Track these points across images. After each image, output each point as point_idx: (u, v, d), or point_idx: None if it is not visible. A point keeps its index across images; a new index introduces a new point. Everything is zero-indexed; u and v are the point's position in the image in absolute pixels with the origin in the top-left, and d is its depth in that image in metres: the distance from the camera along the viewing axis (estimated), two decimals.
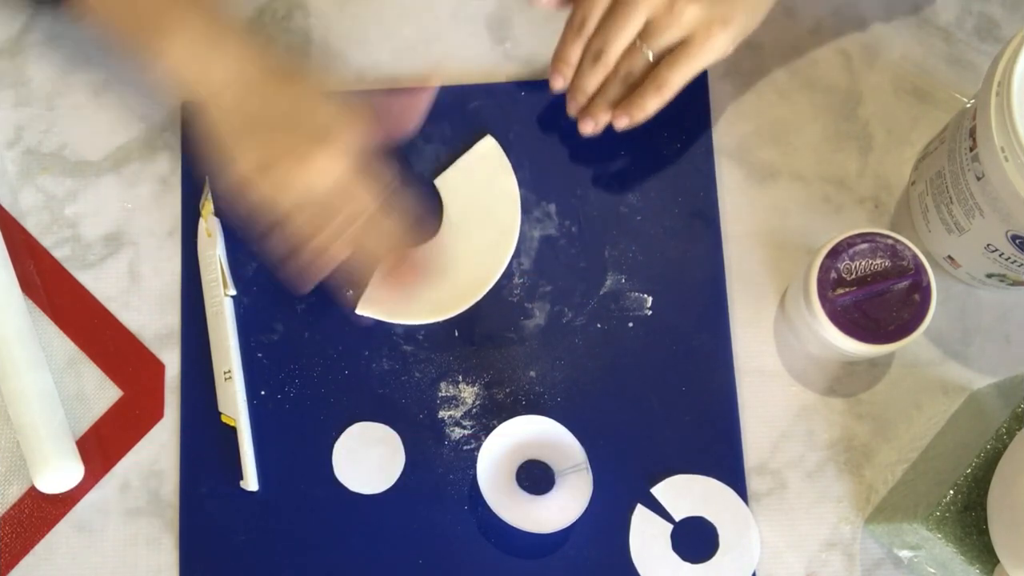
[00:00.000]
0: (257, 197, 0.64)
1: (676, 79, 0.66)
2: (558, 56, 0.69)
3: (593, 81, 0.68)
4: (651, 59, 0.66)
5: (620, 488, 0.69)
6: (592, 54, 0.67)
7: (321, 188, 0.62)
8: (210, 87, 0.63)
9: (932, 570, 0.65)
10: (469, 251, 0.72)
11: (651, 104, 0.67)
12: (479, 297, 0.72)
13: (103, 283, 0.74)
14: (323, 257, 0.65)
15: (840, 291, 0.65)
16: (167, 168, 0.76)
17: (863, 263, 0.66)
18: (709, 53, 0.66)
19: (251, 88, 0.63)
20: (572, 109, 0.70)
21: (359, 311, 0.72)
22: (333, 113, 0.64)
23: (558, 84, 0.70)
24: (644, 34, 0.66)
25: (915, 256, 0.66)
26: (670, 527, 0.69)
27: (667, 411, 0.71)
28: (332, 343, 0.72)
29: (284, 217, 0.64)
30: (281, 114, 0.63)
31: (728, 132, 0.75)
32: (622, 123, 0.68)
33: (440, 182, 0.74)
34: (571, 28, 0.67)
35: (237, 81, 0.63)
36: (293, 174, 0.62)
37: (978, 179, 0.62)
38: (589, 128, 0.69)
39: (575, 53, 0.68)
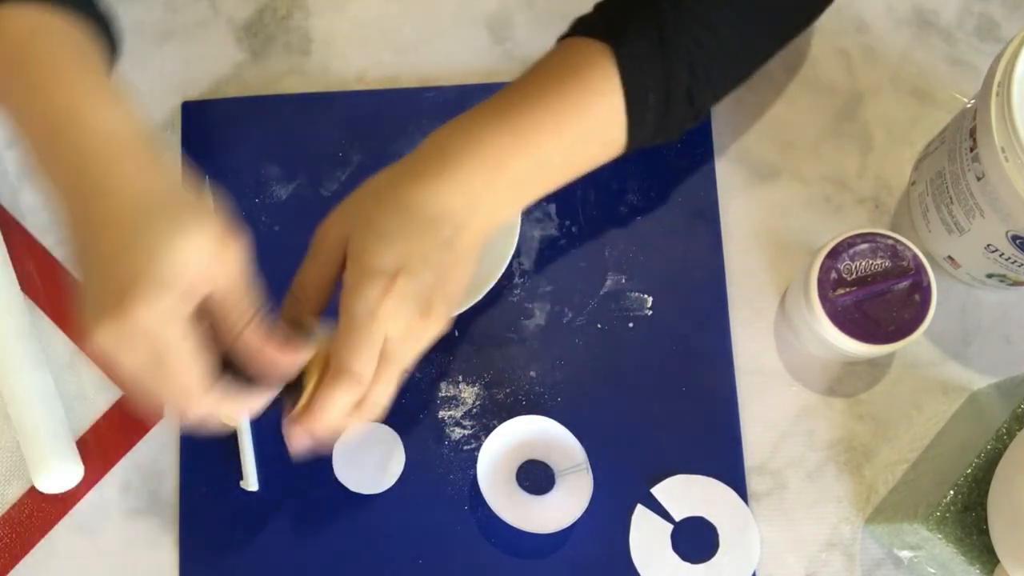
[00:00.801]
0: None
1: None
2: (326, 408, 0.57)
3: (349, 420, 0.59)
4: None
5: (620, 488, 0.69)
6: (370, 407, 0.58)
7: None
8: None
9: (932, 570, 0.65)
10: None
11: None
12: (479, 297, 0.72)
13: None
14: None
15: (840, 291, 0.65)
16: None
17: (863, 263, 0.66)
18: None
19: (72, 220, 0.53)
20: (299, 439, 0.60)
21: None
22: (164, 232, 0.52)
23: (303, 441, 0.59)
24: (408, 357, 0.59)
25: (915, 256, 0.66)
26: (670, 527, 0.69)
27: (667, 411, 0.71)
28: None
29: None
30: (96, 242, 0.52)
31: (728, 132, 0.75)
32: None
33: None
34: (347, 383, 0.57)
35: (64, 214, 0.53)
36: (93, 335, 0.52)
37: (978, 179, 0.62)
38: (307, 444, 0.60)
39: (345, 404, 0.57)
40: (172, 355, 0.52)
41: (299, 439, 0.59)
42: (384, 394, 0.58)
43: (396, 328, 0.56)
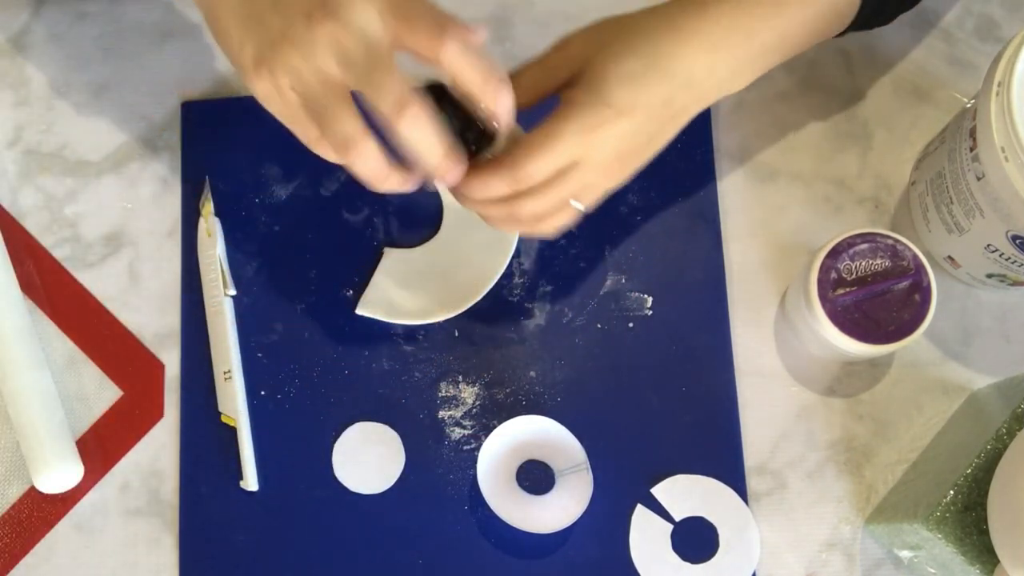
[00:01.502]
0: (263, 99, 0.54)
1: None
2: (480, 183, 0.58)
3: (498, 211, 0.61)
4: (583, 211, 0.62)
5: (620, 488, 0.69)
6: (524, 213, 0.60)
7: (332, 72, 0.52)
8: None
9: (932, 570, 0.65)
10: (469, 251, 0.72)
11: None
12: (479, 297, 0.72)
13: (103, 283, 0.74)
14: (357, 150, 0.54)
15: (840, 291, 0.65)
16: (167, 168, 0.76)
17: (863, 263, 0.66)
18: None
19: None
20: (453, 184, 0.59)
21: (359, 311, 0.72)
22: None
23: (451, 179, 0.58)
24: (580, 192, 0.61)
25: (915, 256, 0.66)
26: (670, 527, 0.69)
27: (667, 411, 0.71)
28: (332, 343, 0.72)
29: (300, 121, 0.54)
30: None
31: (728, 132, 0.75)
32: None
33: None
34: (511, 176, 0.58)
35: None
36: (290, 63, 0.52)
37: (978, 179, 0.62)
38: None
39: (497, 192, 0.59)
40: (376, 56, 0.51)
41: (449, 178, 0.57)
42: (538, 208, 0.59)
43: (594, 157, 0.58)
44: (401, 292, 0.72)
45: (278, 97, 0.54)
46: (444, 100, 0.57)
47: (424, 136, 0.54)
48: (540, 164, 0.58)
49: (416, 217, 0.74)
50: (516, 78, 0.61)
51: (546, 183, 0.59)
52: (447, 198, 0.74)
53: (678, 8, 0.61)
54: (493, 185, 0.58)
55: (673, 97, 0.60)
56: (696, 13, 0.60)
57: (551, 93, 0.61)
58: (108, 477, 0.71)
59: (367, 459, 0.70)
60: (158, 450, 0.71)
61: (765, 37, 0.61)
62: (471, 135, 0.58)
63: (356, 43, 0.52)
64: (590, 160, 0.59)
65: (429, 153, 0.55)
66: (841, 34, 0.66)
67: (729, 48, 0.60)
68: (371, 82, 0.53)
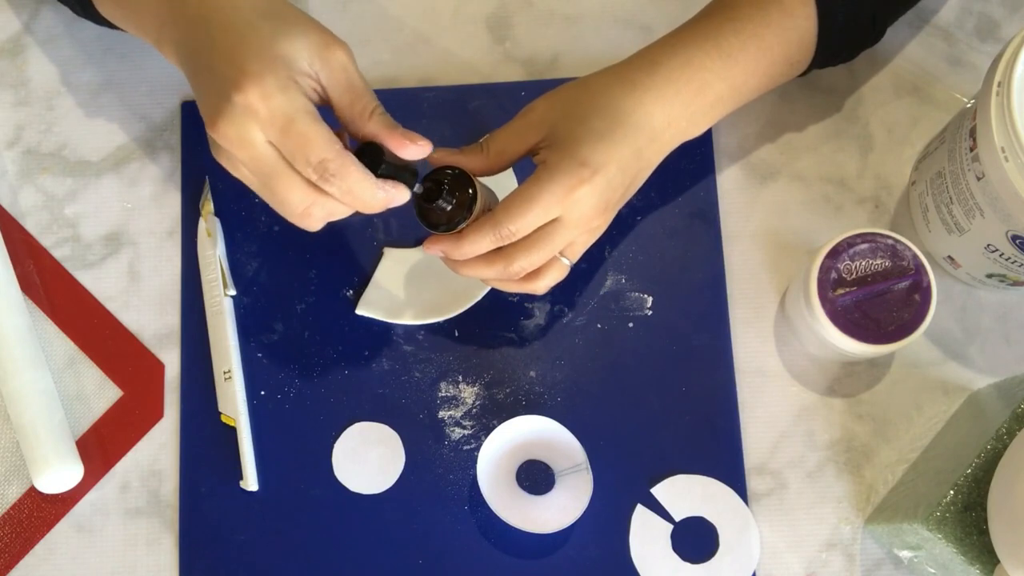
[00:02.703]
0: (215, 152, 0.58)
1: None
2: (468, 242, 0.61)
3: (490, 271, 0.63)
4: (568, 266, 0.65)
5: (620, 488, 0.69)
6: (515, 269, 0.62)
7: (252, 140, 0.55)
8: (143, 26, 0.61)
9: (932, 570, 0.65)
10: None
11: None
12: (479, 297, 0.72)
13: (103, 283, 0.74)
14: (305, 216, 0.59)
15: (840, 291, 0.65)
16: (167, 168, 0.76)
17: (863, 263, 0.66)
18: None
19: (184, 21, 0.58)
20: (440, 253, 0.64)
21: (360, 311, 0.72)
22: (272, 32, 0.56)
23: (435, 252, 0.63)
24: (566, 249, 0.64)
25: (915, 256, 0.66)
26: (670, 527, 0.69)
27: (667, 411, 0.71)
28: (332, 343, 0.72)
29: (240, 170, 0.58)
30: (211, 45, 0.57)
31: (728, 132, 0.75)
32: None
33: None
34: (494, 233, 0.61)
35: (168, 16, 0.59)
36: (219, 118, 0.55)
37: (978, 179, 0.62)
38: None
39: (485, 249, 0.62)
40: (298, 118, 0.55)
41: (433, 251, 0.63)
42: (527, 263, 0.62)
43: (574, 214, 0.61)
44: (401, 292, 0.72)
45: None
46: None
47: (355, 181, 0.57)
48: (522, 221, 0.61)
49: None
50: (487, 144, 0.64)
51: (532, 240, 0.62)
52: None
53: (632, 68, 0.64)
54: (478, 241, 0.61)
55: (641, 149, 0.63)
56: (648, 70, 0.64)
57: (521, 157, 0.64)
58: (108, 477, 0.71)
59: (367, 459, 0.70)
60: (158, 450, 0.71)
61: (718, 88, 0.64)
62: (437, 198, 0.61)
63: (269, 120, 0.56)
64: (571, 217, 0.61)
65: (364, 190, 0.58)
66: (804, 73, 0.69)
67: (683, 103, 0.64)
68: (289, 152, 0.56)
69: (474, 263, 0.63)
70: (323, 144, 0.56)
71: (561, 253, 0.64)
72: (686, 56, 0.64)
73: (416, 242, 0.74)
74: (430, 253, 0.63)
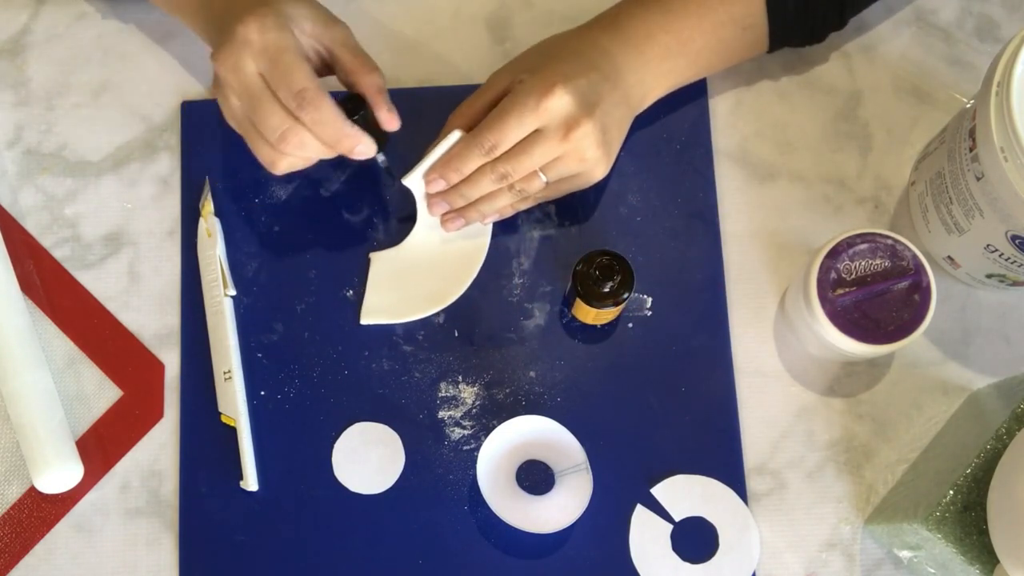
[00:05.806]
0: (213, 87, 0.66)
1: (553, 198, 0.72)
2: (451, 165, 0.67)
3: (484, 192, 0.68)
4: (546, 184, 0.68)
5: (620, 488, 0.69)
6: (497, 175, 0.67)
7: (244, 67, 0.63)
8: None
9: (932, 570, 0.65)
10: (449, 238, 0.72)
11: (518, 208, 0.71)
12: (468, 283, 0.71)
13: (103, 283, 0.74)
14: (281, 144, 0.64)
15: (840, 291, 0.65)
16: (167, 168, 0.76)
17: (863, 263, 0.66)
18: (590, 183, 0.70)
19: None
20: (440, 210, 0.70)
21: (364, 322, 0.72)
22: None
23: (438, 187, 0.69)
24: (547, 164, 0.67)
25: (915, 256, 0.66)
26: (670, 527, 0.69)
27: (667, 411, 0.71)
28: (332, 343, 0.72)
29: (232, 100, 0.65)
30: None
31: (728, 132, 0.75)
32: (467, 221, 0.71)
33: (411, 180, 0.71)
34: (478, 148, 0.66)
35: None
36: (220, 47, 0.63)
37: (978, 179, 0.62)
38: (459, 224, 0.70)
39: (472, 167, 0.67)
40: (286, 52, 0.62)
41: (433, 186, 0.69)
42: (508, 167, 0.66)
43: (553, 122, 0.65)
44: (397, 291, 0.72)
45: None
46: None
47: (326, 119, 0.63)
48: (500, 133, 0.65)
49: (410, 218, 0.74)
50: (460, 107, 0.70)
51: (515, 149, 0.66)
52: (418, 192, 0.72)
53: (583, 25, 0.70)
54: (467, 158, 0.66)
55: (607, 74, 0.67)
56: (600, 24, 0.70)
57: (485, 112, 0.68)
58: (108, 477, 0.71)
59: (367, 459, 0.70)
60: (158, 450, 0.71)
61: (664, 40, 0.69)
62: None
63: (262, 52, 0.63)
64: (550, 127, 0.65)
65: (334, 122, 0.64)
66: (771, 51, 0.71)
67: (636, 49, 0.68)
68: (274, 81, 0.63)
69: (469, 180, 0.68)
70: (304, 76, 0.62)
71: (543, 170, 0.67)
72: (629, 12, 0.69)
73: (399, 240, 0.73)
74: (432, 190, 0.69)
